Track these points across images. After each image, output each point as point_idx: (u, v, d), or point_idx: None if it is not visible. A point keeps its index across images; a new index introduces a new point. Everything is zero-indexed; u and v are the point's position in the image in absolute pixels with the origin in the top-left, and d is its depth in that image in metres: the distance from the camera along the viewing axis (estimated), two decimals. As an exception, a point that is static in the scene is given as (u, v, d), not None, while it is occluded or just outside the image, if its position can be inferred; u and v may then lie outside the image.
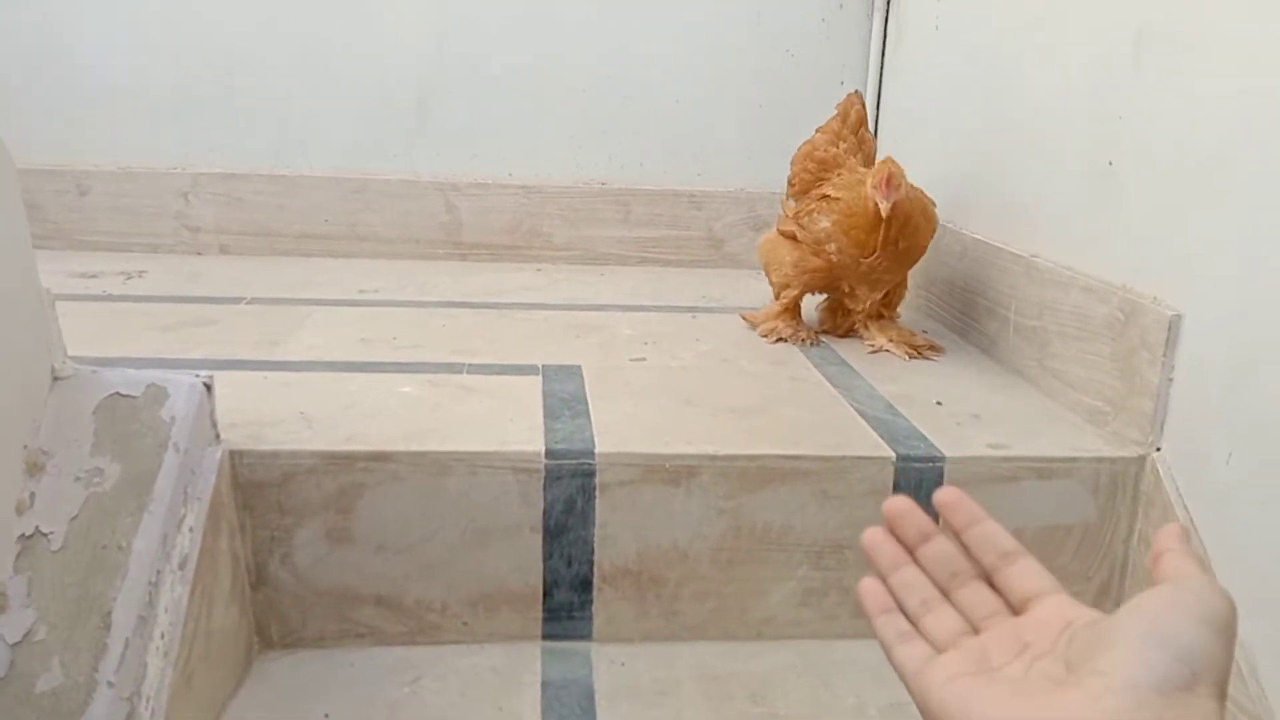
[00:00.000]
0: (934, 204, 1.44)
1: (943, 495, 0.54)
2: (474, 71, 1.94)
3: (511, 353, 1.38)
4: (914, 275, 1.50)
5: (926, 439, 1.11)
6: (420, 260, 1.99)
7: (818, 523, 1.07)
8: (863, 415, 1.18)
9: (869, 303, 1.45)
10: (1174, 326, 1.05)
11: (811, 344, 1.47)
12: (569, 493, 1.03)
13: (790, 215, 1.50)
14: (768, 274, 1.53)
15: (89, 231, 1.94)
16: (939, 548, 0.54)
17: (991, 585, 0.52)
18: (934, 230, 1.42)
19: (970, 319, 1.52)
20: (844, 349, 1.47)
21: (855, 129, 1.54)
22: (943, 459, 1.07)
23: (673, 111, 2.00)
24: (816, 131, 1.58)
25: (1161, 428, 1.07)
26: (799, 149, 1.57)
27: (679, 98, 1.99)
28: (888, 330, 1.47)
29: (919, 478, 1.07)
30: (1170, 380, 1.06)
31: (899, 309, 1.52)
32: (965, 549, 0.53)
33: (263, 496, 1.00)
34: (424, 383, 1.23)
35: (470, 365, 1.31)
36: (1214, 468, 0.98)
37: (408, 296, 1.68)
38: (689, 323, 1.58)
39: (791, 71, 1.98)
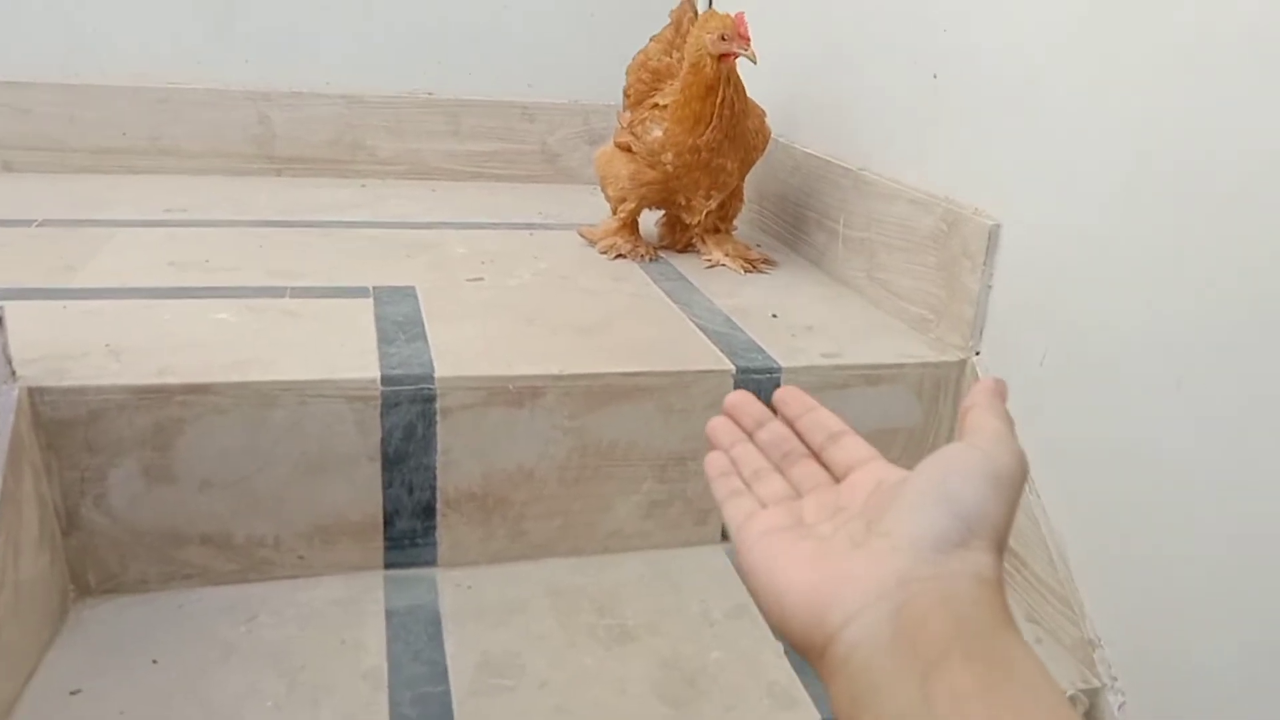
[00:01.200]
0: (765, 114, 1.45)
1: (780, 393, 0.58)
2: (284, -30, 1.81)
3: (339, 274, 1.31)
4: (747, 189, 1.51)
5: (764, 350, 1.13)
6: (232, 176, 1.86)
7: (661, 437, 1.08)
8: (702, 329, 1.19)
9: (704, 214, 1.45)
10: (993, 236, 1.10)
11: (650, 259, 1.47)
12: (408, 419, 1.00)
13: (625, 126, 1.48)
14: (604, 189, 1.51)
15: None
16: (773, 430, 0.57)
17: (821, 464, 0.54)
18: (766, 137, 1.43)
19: (802, 233, 1.55)
20: (682, 264, 1.47)
21: (687, 36, 1.52)
22: (779, 369, 1.09)
23: (502, 18, 1.92)
24: (651, 41, 1.55)
25: (981, 333, 1.13)
26: (633, 59, 1.54)
27: (506, 3, 1.91)
28: (724, 244, 1.48)
29: (757, 388, 1.08)
30: (989, 288, 1.11)
31: (735, 222, 1.53)
32: (798, 435, 0.56)
33: (69, 436, 0.92)
34: (243, 309, 1.16)
35: (294, 289, 1.24)
36: (1029, 368, 1.04)
37: (221, 215, 1.57)
38: (526, 240, 1.55)
39: (622, -22, 1.94)
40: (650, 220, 1.57)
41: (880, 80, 1.34)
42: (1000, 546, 0.42)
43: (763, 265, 1.46)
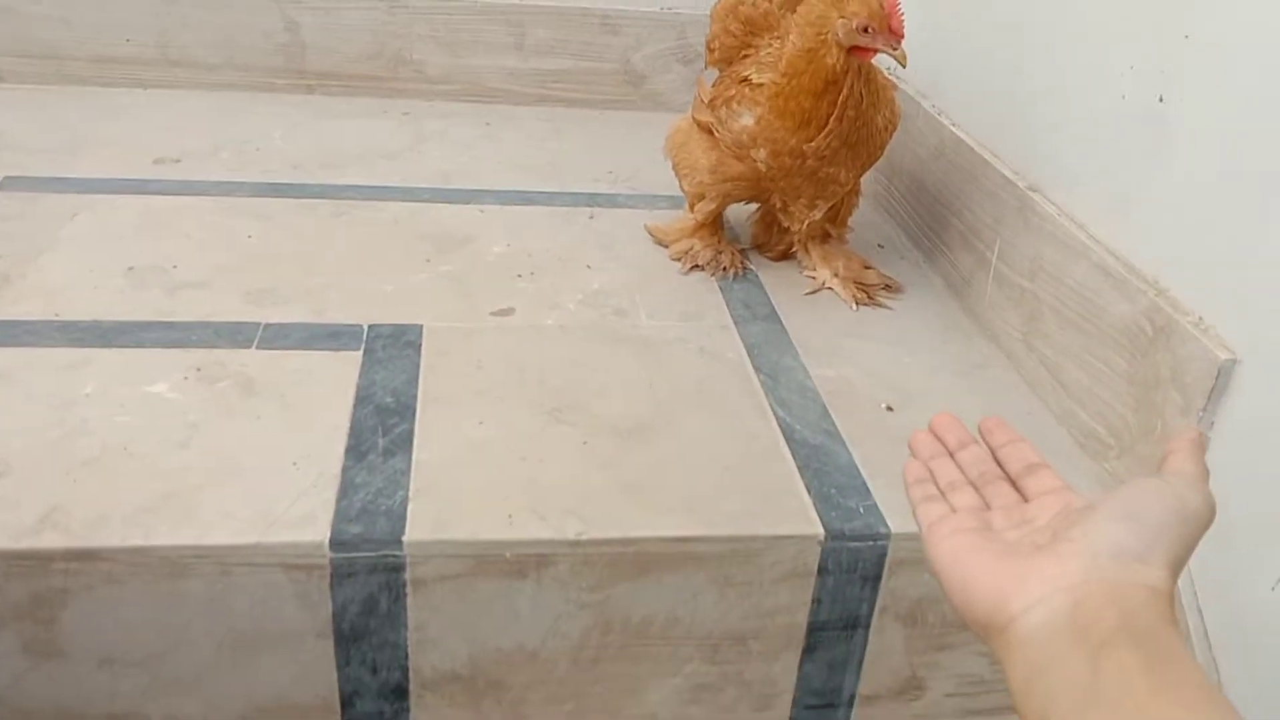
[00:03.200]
0: (895, 87, 1.07)
1: (986, 422, 0.60)
2: None
3: (333, 295, 1.03)
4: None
5: (870, 493, 0.82)
6: (253, 93, 1.56)
7: (715, 614, 0.79)
8: (788, 436, 0.88)
9: (806, 224, 1.11)
10: (1224, 374, 0.74)
11: (736, 275, 1.14)
12: (368, 592, 0.74)
13: (705, 100, 1.12)
14: (678, 177, 1.17)
15: None
16: (974, 453, 0.58)
17: (1015, 488, 0.55)
18: (895, 125, 1.06)
19: (939, 240, 1.19)
20: (777, 283, 1.14)
21: None
22: (887, 537, 0.78)
23: (580, -96, 1.53)
24: None
25: (1184, 495, 0.79)
26: (721, 4, 1.16)
27: (588, -116, 1.51)
28: (833, 259, 1.14)
29: (853, 561, 0.78)
30: (1206, 439, 0.77)
31: (849, 223, 1.17)
32: (997, 462, 0.57)
33: (-85, 612, 0.69)
34: (190, 370, 0.89)
35: (267, 328, 0.97)
36: (1251, 587, 0.72)
37: (217, 172, 1.29)
38: (583, 230, 1.23)
39: None
40: (742, 211, 1.22)
41: (1078, 81, 0.95)
42: (1176, 570, 0.45)
43: (882, 294, 1.12)
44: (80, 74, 1.53)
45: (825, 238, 1.15)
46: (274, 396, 0.87)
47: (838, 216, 1.15)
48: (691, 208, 1.15)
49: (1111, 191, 0.89)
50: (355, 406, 0.86)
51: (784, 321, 1.06)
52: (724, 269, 1.14)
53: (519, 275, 1.11)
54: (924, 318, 1.10)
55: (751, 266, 1.17)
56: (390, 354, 0.94)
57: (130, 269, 1.05)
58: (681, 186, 1.16)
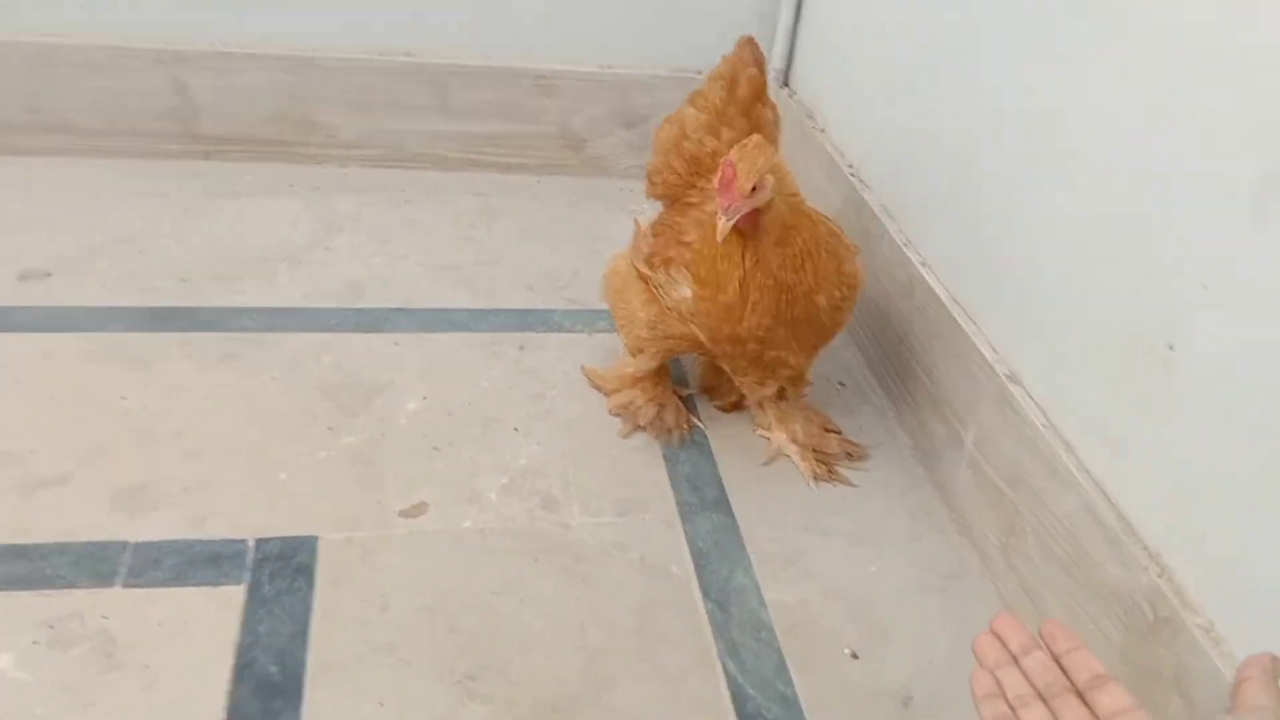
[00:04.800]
0: (853, 250, 0.94)
1: (1047, 626, 0.57)
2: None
3: (216, 492, 0.89)
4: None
5: (829, 796, 0.71)
6: (142, 159, 1.38)
7: None
8: (740, 708, 0.77)
9: (757, 397, 0.99)
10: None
11: (681, 440, 1.02)
12: None
13: (645, 252, 0.97)
14: (616, 325, 1.03)
15: None
16: (1038, 660, 0.56)
17: (1084, 703, 0.53)
18: (848, 302, 0.93)
19: (907, 392, 1.07)
20: (728, 447, 1.02)
21: (747, 106, 0.98)
22: None
23: (511, -43, 1.35)
24: (688, 101, 1.01)
25: (1181, 803, 0.70)
26: (662, 127, 1.02)
27: (521, -63, 1.33)
28: (789, 420, 1.02)
29: None
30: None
31: (808, 377, 1.05)
32: (1062, 670, 0.55)
33: None
34: (42, 629, 0.76)
35: (137, 547, 0.83)
36: None
37: (93, 291, 1.12)
38: (511, 370, 1.09)
39: (687, -101, 1.33)
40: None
41: (1078, 288, 0.82)
42: None
43: (844, 464, 1.01)
44: (-64, 140, 1.34)
45: (780, 394, 1.03)
46: (138, 668, 0.74)
47: (797, 379, 1.02)
48: (630, 354, 1.02)
49: (1108, 424, 0.78)
50: (233, 681, 0.74)
51: (735, 511, 0.95)
52: (668, 430, 1.02)
53: (435, 447, 0.98)
54: (890, 498, 0.99)
55: (700, 424, 1.04)
56: (278, 587, 0.81)
57: (-23, 459, 0.90)
58: (619, 331, 1.03)
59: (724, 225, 0.79)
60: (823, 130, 1.33)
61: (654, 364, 1.00)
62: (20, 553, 0.82)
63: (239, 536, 0.86)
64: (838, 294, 0.90)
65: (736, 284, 0.85)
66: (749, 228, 0.83)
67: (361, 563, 0.85)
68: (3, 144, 1.35)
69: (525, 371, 1.09)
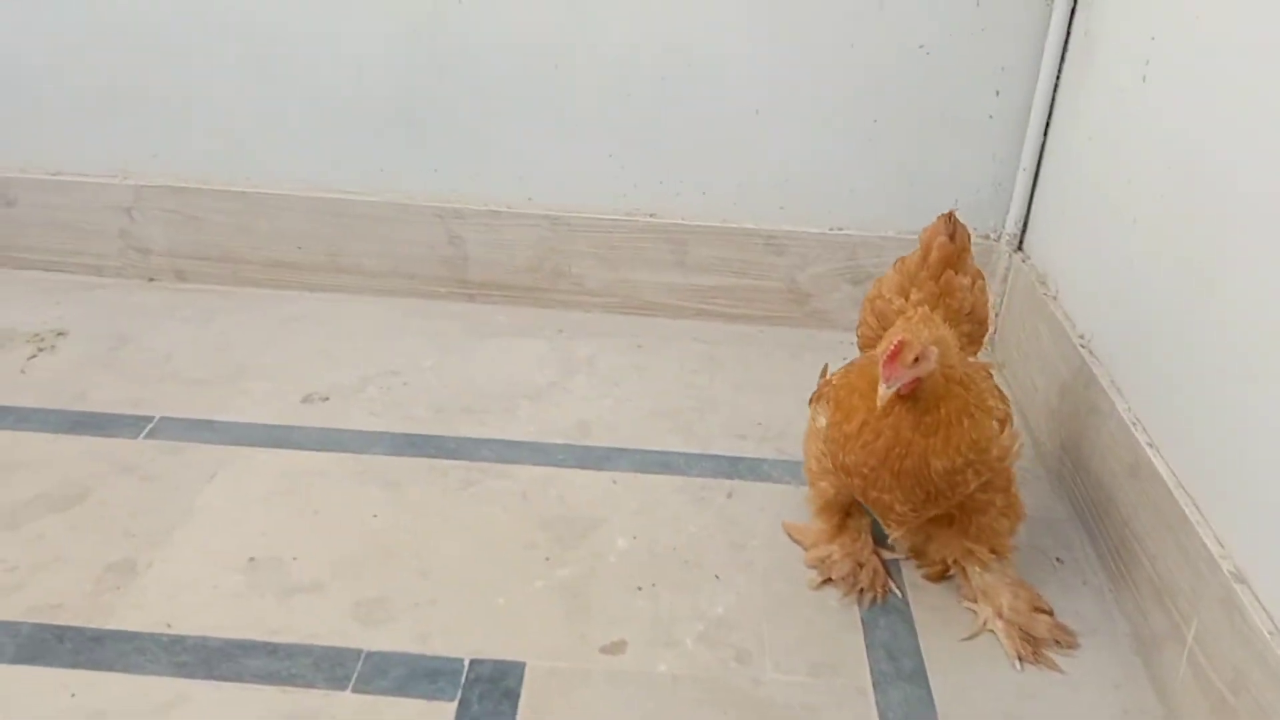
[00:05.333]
0: (1006, 419, 0.95)
1: None
2: (476, 65, 1.43)
3: (440, 612, 0.98)
4: (1041, 417, 1.00)
5: None
6: (416, 299, 1.57)
7: None
8: None
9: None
10: None
11: (873, 601, 1.02)
12: None
13: (818, 388, 1.04)
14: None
15: (19, 248, 1.59)
16: None
17: None
18: (963, 475, 0.91)
19: (1128, 576, 1.02)
20: (930, 618, 1.01)
21: (936, 272, 1.02)
22: None
23: (749, 125, 1.45)
24: (893, 266, 1.07)
25: None
26: (871, 286, 1.08)
27: (758, 107, 1.43)
28: (996, 593, 1.00)
29: None
30: None
31: (1010, 541, 1.02)
32: None
33: None
34: (281, 723, 0.86)
35: (368, 656, 0.93)
36: None
37: (359, 418, 1.28)
38: (716, 518, 1.13)
39: (923, 74, 1.39)
40: (896, 513, 1.10)
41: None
42: None
43: (1052, 649, 0.97)
44: (254, 276, 1.58)
45: (984, 560, 1.01)
46: (355, 771, 0.82)
47: (982, 534, 1.00)
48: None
49: (1344, 641, 0.72)
50: (435, 796, 0.80)
51: (932, 685, 0.93)
52: (861, 590, 1.02)
53: (639, 588, 1.03)
54: (1103, 691, 0.93)
55: (897, 591, 1.04)
56: (485, 709, 0.88)
57: (251, 560, 1.04)
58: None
59: (884, 392, 0.84)
60: (1054, 297, 1.31)
61: (820, 502, 1.03)
62: (272, 650, 0.93)
63: (456, 655, 0.94)
64: (960, 460, 0.90)
65: (860, 419, 0.91)
66: (909, 393, 0.87)
67: (561, 695, 0.90)
68: (308, 281, 1.58)
69: (730, 519, 1.13)
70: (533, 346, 1.47)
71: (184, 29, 1.43)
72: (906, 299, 1.03)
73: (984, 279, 1.08)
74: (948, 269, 1.02)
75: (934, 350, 0.86)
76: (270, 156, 1.51)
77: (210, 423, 1.25)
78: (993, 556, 1.01)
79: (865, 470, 0.92)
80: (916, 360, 0.85)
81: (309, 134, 1.49)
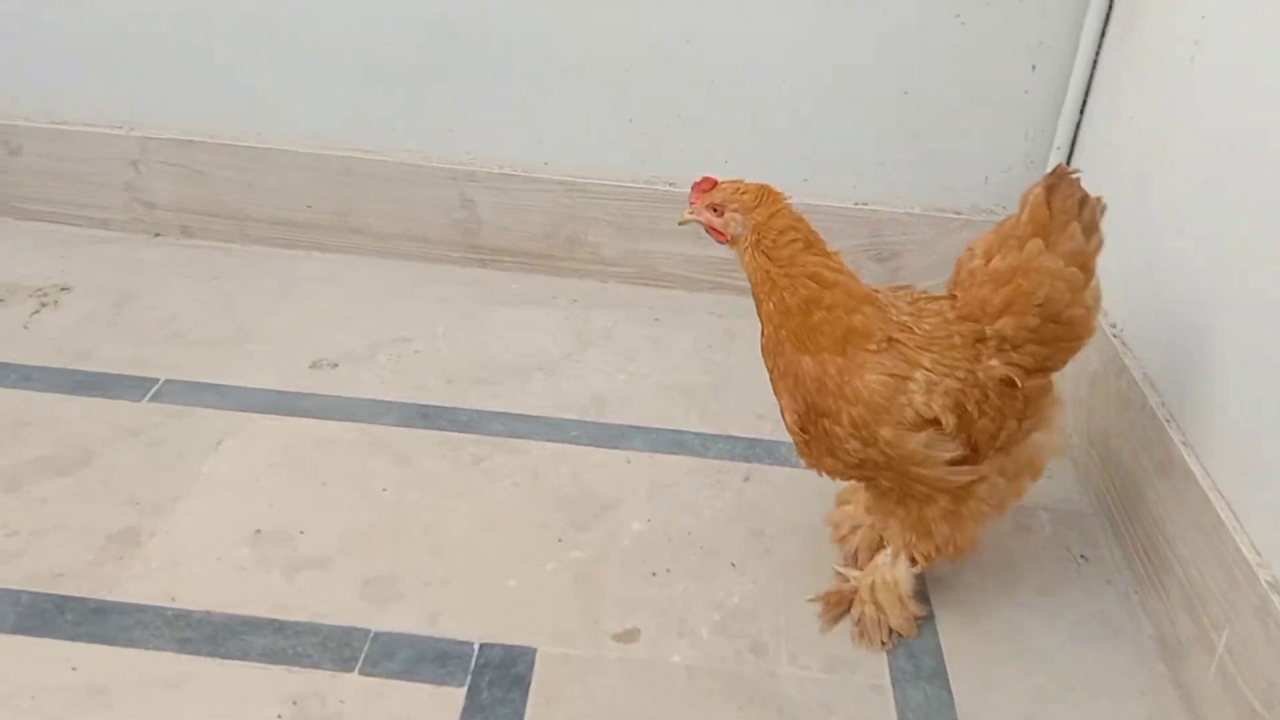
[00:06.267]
0: (933, 423, 0.85)
1: None
2: (502, 23, 1.38)
3: (451, 591, 0.96)
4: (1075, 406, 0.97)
5: None
6: (428, 263, 1.53)
7: None
8: None
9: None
10: None
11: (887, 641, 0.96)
12: None
13: None
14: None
15: (23, 198, 1.55)
16: None
17: None
18: (867, 412, 0.84)
19: (1156, 579, 0.99)
20: (953, 621, 0.99)
21: (1023, 238, 0.90)
22: None
23: (775, 94, 1.40)
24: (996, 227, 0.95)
25: None
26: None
27: (784, 75, 1.39)
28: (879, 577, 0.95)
29: None
30: None
31: (935, 556, 0.94)
32: None
33: None
34: (286, 704, 0.84)
35: (376, 637, 0.91)
36: None
37: (370, 385, 1.25)
38: (734, 501, 1.11)
39: (957, 45, 1.34)
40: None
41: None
42: None
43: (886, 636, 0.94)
44: (261, 234, 1.54)
45: (897, 552, 0.95)
46: (360, 757, 0.80)
47: (917, 530, 0.92)
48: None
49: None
50: (444, 785, 0.78)
51: (953, 686, 0.91)
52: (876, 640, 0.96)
53: (653, 573, 1.00)
54: (1126, 696, 0.91)
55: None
56: (495, 696, 0.86)
57: (257, 532, 1.01)
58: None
59: (683, 215, 0.89)
60: (1084, 282, 1.28)
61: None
62: (279, 628, 0.91)
63: (466, 639, 0.91)
64: (831, 383, 0.86)
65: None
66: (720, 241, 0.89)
67: (573, 682, 0.88)
68: (315, 241, 1.54)
69: (748, 504, 1.11)
70: (546, 316, 1.43)
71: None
72: (987, 263, 0.91)
73: (1094, 279, 0.91)
74: (1036, 237, 0.89)
75: (740, 219, 0.86)
76: (280, 111, 1.46)
77: (216, 386, 1.22)
78: (906, 557, 0.95)
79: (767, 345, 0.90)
80: (717, 210, 0.87)
81: (321, 90, 1.44)
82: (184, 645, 0.89)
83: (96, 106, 1.48)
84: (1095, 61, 1.30)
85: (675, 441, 1.20)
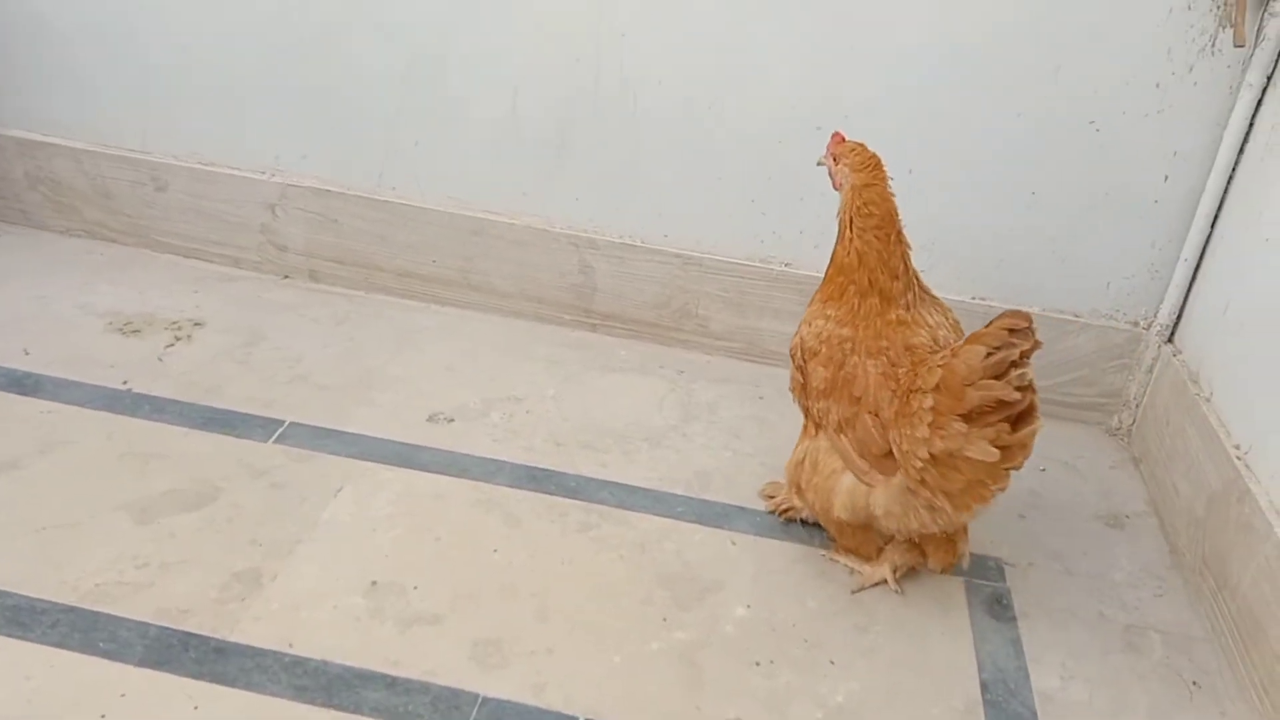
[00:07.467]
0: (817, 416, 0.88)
1: None
2: (633, 100, 1.42)
3: (557, 662, 0.98)
4: (1189, 525, 0.94)
5: None
6: (540, 323, 1.57)
7: None
8: None
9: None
10: None
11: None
12: None
13: None
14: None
15: (164, 232, 1.63)
16: None
17: None
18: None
19: (1276, 712, 0.96)
20: (1049, 710, 0.97)
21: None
22: None
23: (900, 184, 1.39)
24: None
25: None
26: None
27: (912, 166, 1.40)
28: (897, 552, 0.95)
29: None
30: None
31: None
32: None
33: None
34: (397, 765, 0.85)
35: (483, 702, 0.93)
36: None
37: (483, 443, 1.28)
38: (837, 592, 1.11)
39: (1090, 151, 1.34)
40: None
41: None
42: None
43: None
44: (385, 284, 1.60)
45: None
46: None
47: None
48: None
49: None
50: None
51: (1057, 809, 0.89)
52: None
53: (756, 663, 1.01)
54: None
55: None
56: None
57: (373, 584, 1.04)
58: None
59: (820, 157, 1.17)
60: (1208, 399, 1.26)
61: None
62: (390, 683, 0.93)
63: (571, 713, 0.93)
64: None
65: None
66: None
67: (672, 768, 0.88)
68: (433, 294, 1.59)
69: (854, 600, 1.10)
70: (653, 386, 1.45)
71: (358, 33, 1.44)
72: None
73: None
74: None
75: (847, 174, 1.10)
76: (418, 169, 1.52)
77: (338, 433, 1.26)
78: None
79: None
80: (836, 160, 1.12)
81: (458, 151, 1.50)
82: (301, 693, 0.91)
83: (243, 149, 1.56)
84: (1231, 177, 1.29)
85: (780, 526, 1.20)
